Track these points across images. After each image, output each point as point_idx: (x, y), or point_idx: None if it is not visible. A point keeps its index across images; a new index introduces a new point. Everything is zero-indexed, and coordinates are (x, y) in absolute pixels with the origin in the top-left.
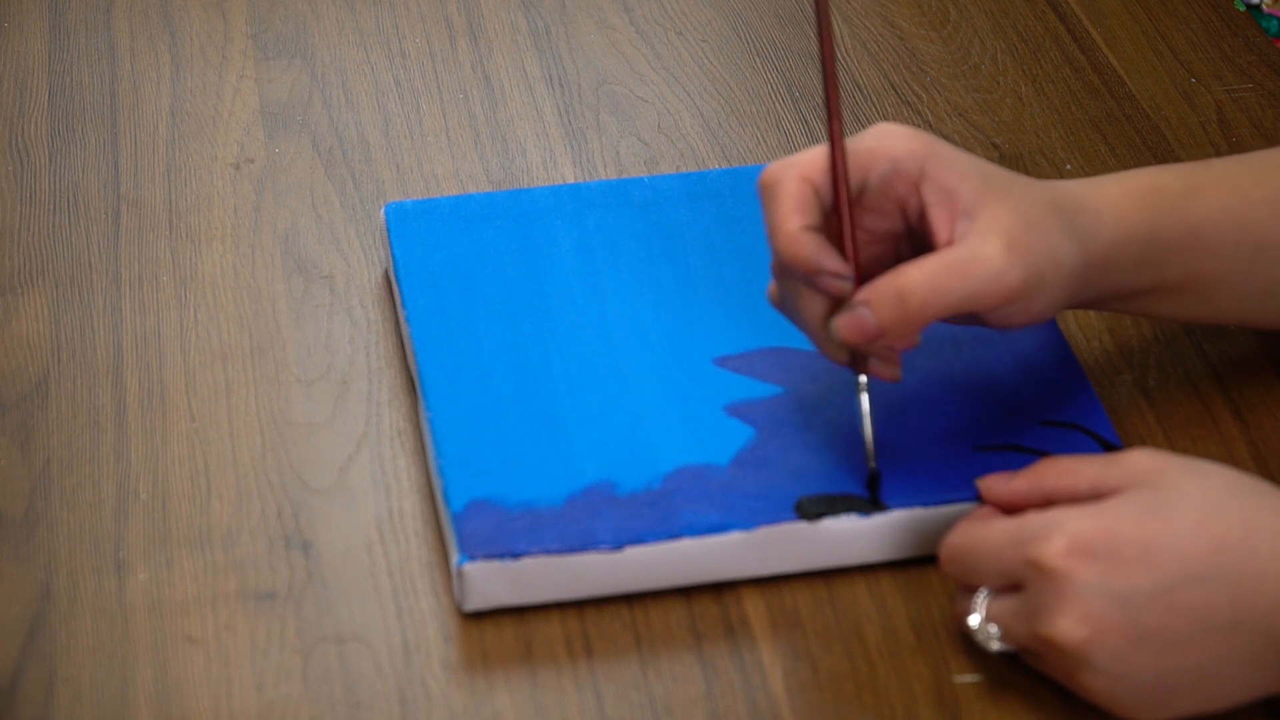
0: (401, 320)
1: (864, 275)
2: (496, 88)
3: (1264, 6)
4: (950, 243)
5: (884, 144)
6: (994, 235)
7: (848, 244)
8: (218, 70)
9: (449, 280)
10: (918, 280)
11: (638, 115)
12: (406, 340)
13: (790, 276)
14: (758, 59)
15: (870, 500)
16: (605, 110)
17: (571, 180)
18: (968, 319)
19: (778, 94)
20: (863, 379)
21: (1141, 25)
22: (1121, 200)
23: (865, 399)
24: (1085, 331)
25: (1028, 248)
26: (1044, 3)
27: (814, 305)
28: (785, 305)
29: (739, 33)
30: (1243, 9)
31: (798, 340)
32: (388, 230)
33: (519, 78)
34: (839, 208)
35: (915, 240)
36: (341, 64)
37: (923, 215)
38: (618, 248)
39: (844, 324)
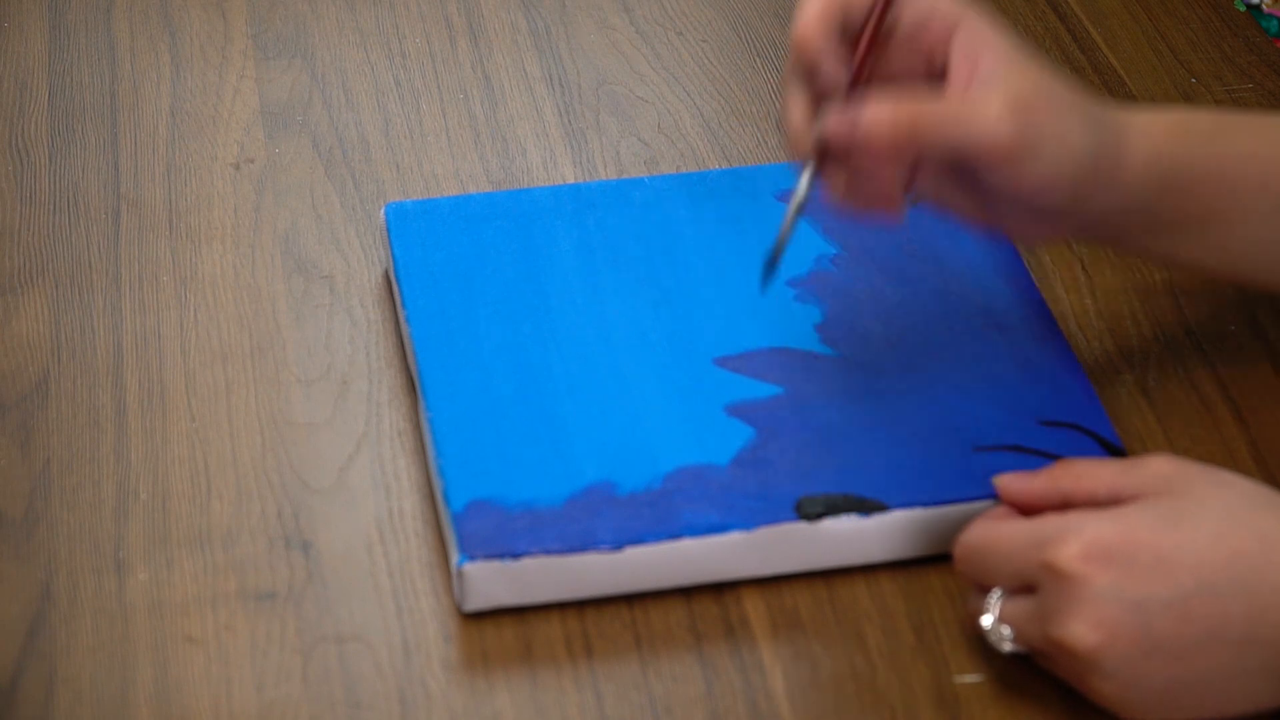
0: (401, 320)
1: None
2: (496, 88)
3: (1264, 6)
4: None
5: None
6: (1000, 93)
7: (863, 45)
8: (218, 70)
9: (449, 280)
10: (915, 110)
11: (638, 115)
12: (406, 340)
13: (794, 67)
14: (758, 59)
15: (767, 268)
16: (605, 110)
17: (571, 180)
18: (965, 185)
19: (778, 94)
20: (811, 165)
21: (1141, 25)
22: (1151, 123)
23: (806, 178)
24: (1085, 331)
25: (1033, 113)
26: (1044, 3)
27: (801, 103)
28: (783, 106)
29: (739, 33)
30: (1243, 9)
31: (798, 340)
32: (388, 230)
33: (519, 78)
34: (868, 20)
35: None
36: (341, 64)
37: (945, 70)
38: (618, 248)
39: (834, 119)
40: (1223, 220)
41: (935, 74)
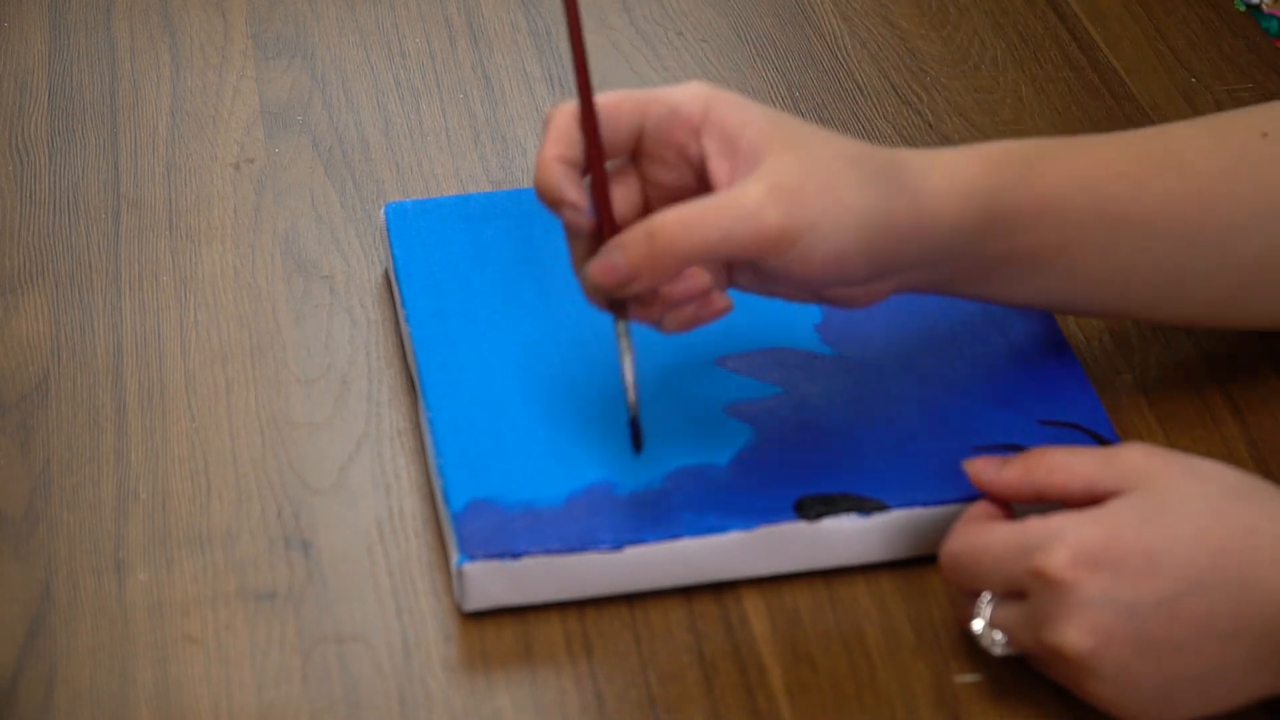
0: (401, 320)
1: None
2: (496, 88)
3: (1264, 7)
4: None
5: (666, 90)
6: (759, 179)
7: (599, 182)
8: (218, 70)
9: (449, 280)
10: (668, 219)
11: None
12: (406, 340)
13: (564, 223)
14: (758, 59)
15: (633, 443)
16: None
17: None
18: (759, 276)
19: (778, 94)
20: (622, 324)
21: (1141, 25)
22: (957, 160)
23: (625, 344)
24: (1085, 331)
25: (798, 192)
26: (1044, 3)
27: (577, 248)
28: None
29: (739, 33)
30: (1243, 9)
31: (798, 340)
32: (388, 230)
33: (519, 78)
34: (587, 146)
35: (708, 187)
36: (341, 64)
37: (704, 165)
38: None
39: (596, 266)
40: (1055, 253)
41: (700, 173)
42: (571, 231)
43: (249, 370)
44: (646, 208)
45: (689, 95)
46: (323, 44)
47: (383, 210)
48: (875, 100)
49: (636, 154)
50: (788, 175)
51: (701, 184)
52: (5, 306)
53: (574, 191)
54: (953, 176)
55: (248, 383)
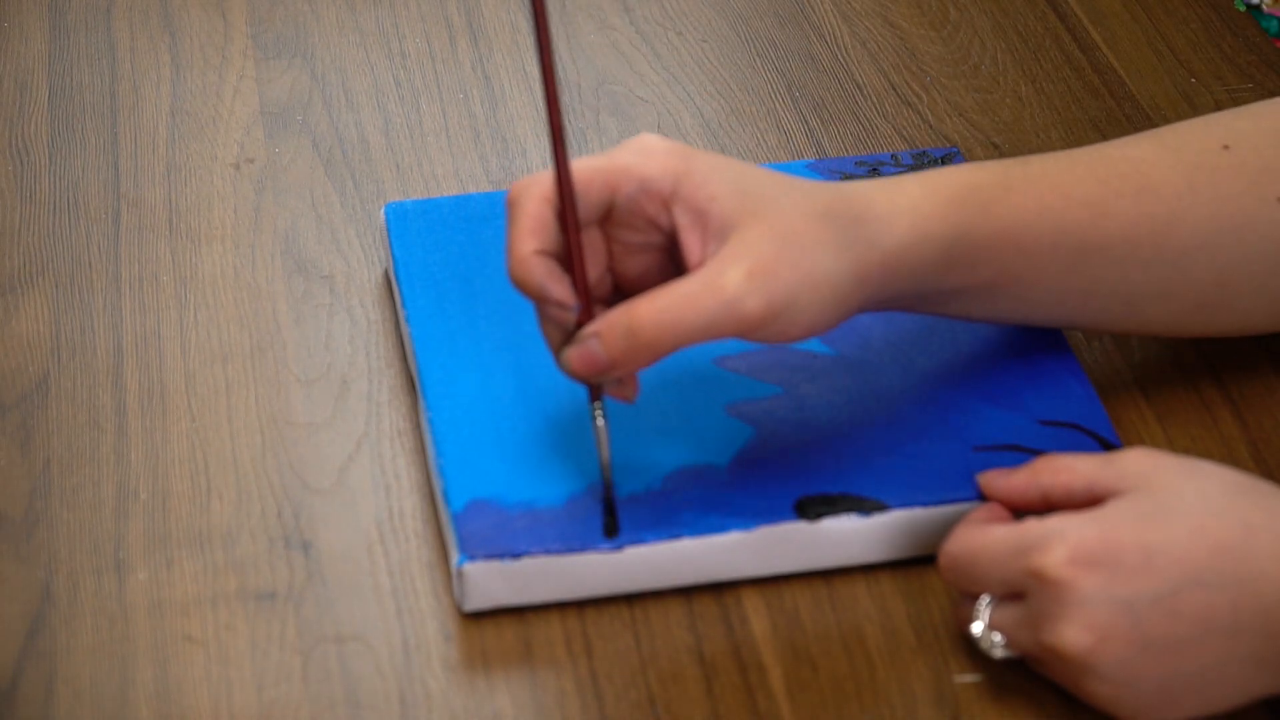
0: (401, 320)
1: (633, 287)
2: (496, 88)
3: (1264, 6)
4: (701, 266)
5: (636, 161)
6: (735, 262)
7: (579, 272)
8: (218, 70)
9: (449, 280)
10: (647, 313)
11: (638, 115)
12: (406, 340)
13: (538, 309)
14: (758, 59)
15: (606, 526)
16: (605, 110)
17: None
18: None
19: (778, 94)
20: (597, 405)
21: (1141, 25)
22: (922, 201)
23: (601, 423)
24: (1085, 331)
25: (774, 272)
26: (1044, 3)
27: (551, 330)
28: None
29: (739, 33)
30: (1243, 9)
31: None
32: (388, 230)
33: (519, 78)
34: (568, 236)
35: (678, 253)
36: (341, 64)
37: (675, 234)
38: None
39: (575, 356)
40: (1016, 281)
41: (673, 238)
42: (548, 317)
43: (249, 370)
44: (611, 262)
45: (659, 169)
46: (323, 44)
47: (383, 210)
48: (875, 100)
49: (603, 220)
50: (762, 252)
51: (669, 242)
52: (5, 306)
53: (559, 289)
54: (918, 219)
55: (248, 383)
